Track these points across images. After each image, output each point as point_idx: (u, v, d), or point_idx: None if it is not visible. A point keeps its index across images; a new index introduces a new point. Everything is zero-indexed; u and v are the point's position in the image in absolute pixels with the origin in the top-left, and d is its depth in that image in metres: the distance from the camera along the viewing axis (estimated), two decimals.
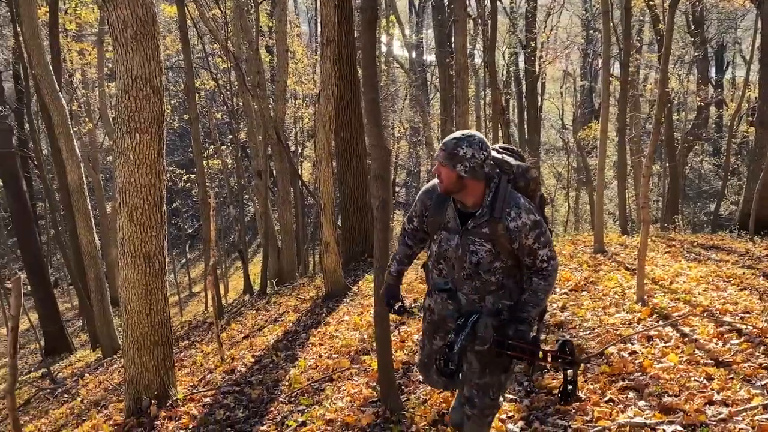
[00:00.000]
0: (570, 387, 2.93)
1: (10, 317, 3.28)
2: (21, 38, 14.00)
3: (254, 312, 10.70)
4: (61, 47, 16.13)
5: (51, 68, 10.77)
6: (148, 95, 5.06)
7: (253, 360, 6.82)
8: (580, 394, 4.10)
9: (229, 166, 22.59)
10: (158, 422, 5.28)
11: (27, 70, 15.49)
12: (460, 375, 3.11)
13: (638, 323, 5.44)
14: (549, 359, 2.89)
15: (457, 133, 2.86)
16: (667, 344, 4.83)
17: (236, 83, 16.40)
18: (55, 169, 15.37)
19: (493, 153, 2.98)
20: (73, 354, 16.44)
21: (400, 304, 3.33)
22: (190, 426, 5.07)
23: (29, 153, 20.91)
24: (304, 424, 4.50)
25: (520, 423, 3.92)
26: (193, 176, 21.96)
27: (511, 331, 2.85)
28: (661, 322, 5.31)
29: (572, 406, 3.98)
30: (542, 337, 5.33)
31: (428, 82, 29.82)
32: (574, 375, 2.93)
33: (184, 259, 29.39)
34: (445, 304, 3.12)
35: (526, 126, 25.29)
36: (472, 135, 2.83)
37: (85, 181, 11.10)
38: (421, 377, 3.28)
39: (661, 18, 16.10)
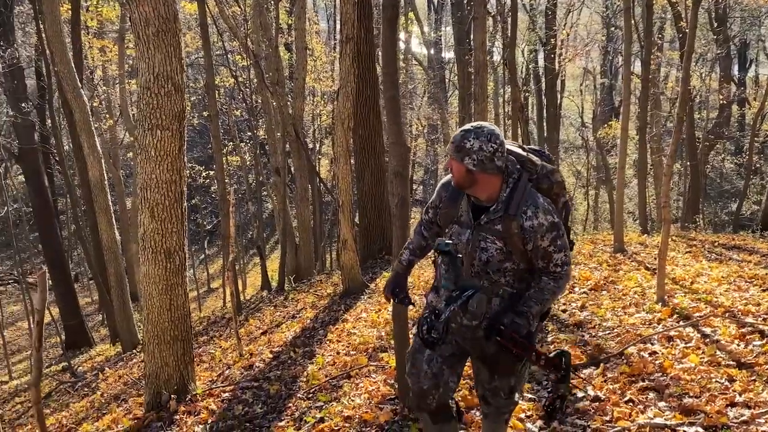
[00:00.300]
0: (558, 403, 2.88)
1: (35, 311, 3.33)
2: (44, 35, 14.17)
3: (272, 308, 10.76)
4: (83, 44, 16.29)
5: (73, 65, 10.88)
6: (169, 92, 5.10)
7: (271, 356, 6.85)
8: (600, 394, 4.08)
9: (248, 162, 22.69)
10: (177, 416, 5.32)
11: (49, 67, 15.66)
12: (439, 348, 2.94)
13: (658, 323, 5.40)
14: (542, 362, 2.82)
15: (467, 126, 2.75)
16: (687, 345, 4.78)
17: (255, 80, 16.47)
18: (76, 165, 15.54)
19: (518, 150, 2.87)
20: (92, 348, 16.65)
21: (404, 295, 3.12)
22: (209, 420, 5.10)
23: (51, 149, 21.17)
24: (322, 420, 4.52)
25: (539, 422, 3.90)
26: (212, 173, 22.10)
27: (506, 320, 2.71)
28: (681, 323, 5.26)
29: (591, 405, 3.96)
30: (549, 338, 5.31)
31: (447, 80, 29.75)
32: (565, 391, 2.87)
33: (203, 255, 29.60)
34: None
35: (545, 124, 25.14)
36: (481, 126, 2.71)
37: (106, 177, 11.21)
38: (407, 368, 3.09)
39: (683, 15, 15.93)
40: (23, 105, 17.90)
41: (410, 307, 3.28)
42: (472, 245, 2.80)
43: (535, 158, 2.85)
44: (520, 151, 2.87)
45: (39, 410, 3.67)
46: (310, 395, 5.19)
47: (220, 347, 8.48)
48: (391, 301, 3.21)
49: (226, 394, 5.70)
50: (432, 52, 28.47)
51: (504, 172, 2.73)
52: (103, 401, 8.20)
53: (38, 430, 3.81)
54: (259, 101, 18.29)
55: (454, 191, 2.90)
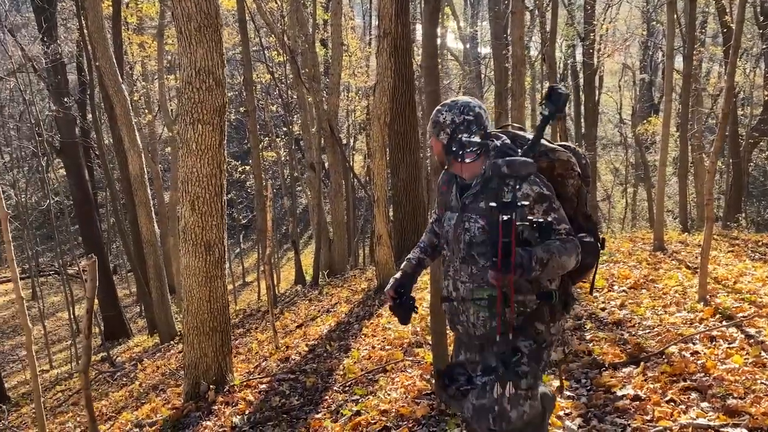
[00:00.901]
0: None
1: (86, 299, 3.40)
2: (86, 31, 14.45)
3: (307, 302, 10.83)
4: (123, 40, 16.58)
5: (114, 60, 11.08)
6: (210, 87, 5.16)
7: (306, 349, 6.91)
8: (640, 393, 4.02)
9: (283, 158, 22.87)
10: (216, 407, 5.40)
11: (91, 62, 15.98)
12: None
13: (700, 323, 5.29)
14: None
15: (447, 100, 2.61)
16: (731, 345, 4.68)
17: (291, 76, 16.58)
18: (116, 159, 15.83)
19: (515, 130, 2.66)
20: (130, 339, 16.97)
21: (407, 297, 2.80)
22: (247, 411, 5.16)
23: (91, 143, 21.62)
24: (358, 413, 4.53)
25: (578, 420, 3.86)
26: (247, 168, 22.35)
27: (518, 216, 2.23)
28: (724, 323, 5.15)
29: (632, 404, 3.91)
30: (588, 336, 5.24)
31: (482, 75, 29.55)
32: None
33: (238, 249, 29.93)
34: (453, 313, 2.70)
35: (582, 120, 24.83)
36: (455, 100, 2.56)
37: (145, 171, 11.40)
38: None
39: (727, 9, 15.56)
40: (65, 100, 18.28)
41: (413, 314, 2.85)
42: (457, 228, 2.59)
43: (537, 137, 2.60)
44: (517, 131, 2.68)
45: (88, 396, 3.76)
46: (347, 388, 5.21)
47: (257, 339, 8.57)
48: (392, 302, 2.83)
49: (263, 386, 5.77)
50: (468, 47, 28.29)
51: (483, 146, 2.54)
52: (141, 391, 8.36)
53: (87, 415, 3.89)
54: (295, 97, 18.40)
55: (447, 177, 2.74)
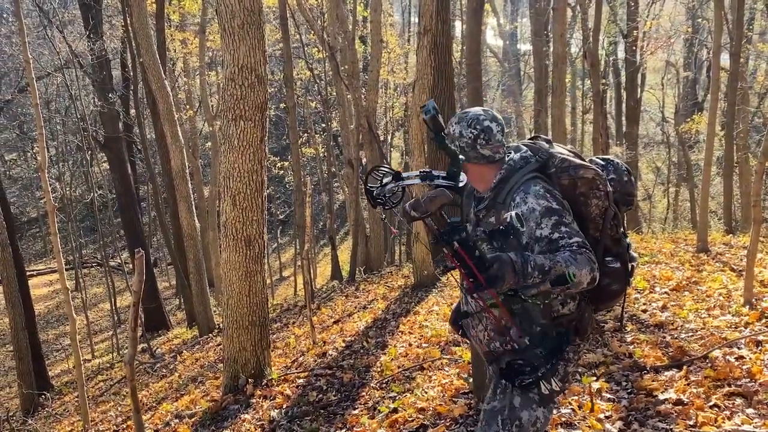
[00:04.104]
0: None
1: (132, 292, 3.47)
2: (130, 28, 14.73)
3: (344, 298, 10.88)
4: (165, 36, 16.84)
5: (157, 56, 11.27)
6: (252, 84, 5.22)
7: (343, 345, 6.94)
8: (683, 398, 3.95)
9: (321, 154, 23.01)
10: (254, 400, 5.47)
11: (134, 58, 16.28)
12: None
13: (746, 327, 5.17)
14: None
15: (459, 111, 2.51)
16: None
17: (330, 73, 16.64)
18: (158, 153, 16.10)
19: (542, 143, 2.55)
20: (170, 331, 17.26)
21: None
22: (284, 406, 5.21)
23: (134, 138, 22.03)
24: (395, 410, 4.54)
25: (619, 423, 3.81)
26: (286, 163, 22.54)
27: (471, 240, 2.09)
28: None
29: (674, 409, 3.84)
30: (629, 338, 5.15)
31: (522, 72, 29.30)
32: None
33: (275, 244, 30.23)
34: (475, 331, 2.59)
35: (623, 118, 24.41)
36: (466, 111, 2.48)
37: (187, 166, 11.57)
38: None
39: None
40: (109, 95, 18.66)
41: None
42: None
43: (561, 151, 2.50)
44: (544, 144, 2.56)
45: (133, 387, 3.84)
46: (383, 385, 5.23)
47: (294, 334, 8.65)
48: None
49: (301, 381, 5.81)
50: (507, 43, 28.07)
51: (494, 161, 2.45)
52: (181, 382, 8.50)
53: (132, 405, 3.98)
54: (334, 93, 18.49)
55: (470, 188, 2.66)
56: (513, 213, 2.34)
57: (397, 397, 4.82)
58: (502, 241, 2.35)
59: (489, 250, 2.36)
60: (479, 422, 2.52)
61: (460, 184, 2.67)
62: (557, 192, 2.37)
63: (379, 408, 4.67)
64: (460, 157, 2.45)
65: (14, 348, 11.57)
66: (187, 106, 21.11)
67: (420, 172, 2.51)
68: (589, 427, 3.75)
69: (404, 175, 2.45)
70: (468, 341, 2.56)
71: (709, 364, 4.43)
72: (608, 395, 4.15)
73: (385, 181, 2.49)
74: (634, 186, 2.69)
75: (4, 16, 32.98)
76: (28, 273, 16.64)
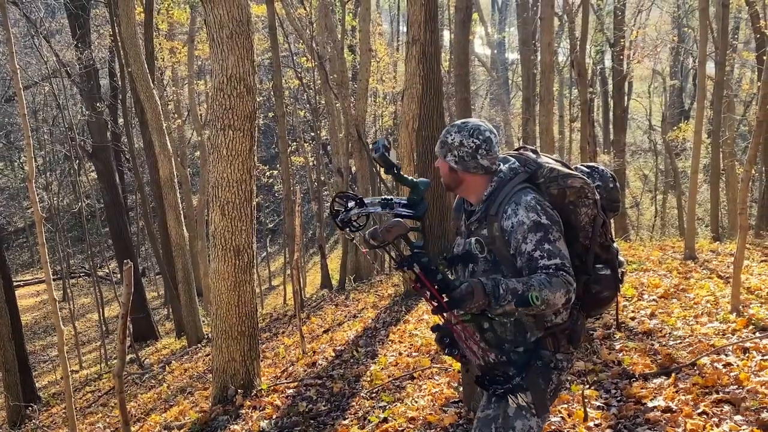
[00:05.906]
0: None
1: (121, 304, 3.45)
2: (118, 37, 14.69)
3: (333, 307, 10.86)
4: (154, 46, 16.81)
5: (146, 66, 11.26)
6: (241, 93, 5.22)
7: (333, 354, 6.92)
8: (672, 405, 3.97)
9: (310, 163, 23.01)
10: (243, 411, 5.44)
11: (123, 67, 16.24)
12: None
13: (733, 334, 5.20)
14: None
15: (458, 121, 2.53)
16: (765, 357, 4.59)
17: (319, 81, 16.67)
18: (146, 162, 16.04)
19: (529, 154, 2.55)
20: (158, 341, 17.15)
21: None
22: (274, 416, 5.19)
23: (122, 147, 21.95)
24: (385, 420, 4.54)
25: (608, 431, 3.82)
26: (275, 172, 22.53)
27: (433, 265, 2.14)
28: (758, 334, 5.06)
29: (663, 416, 3.86)
30: (617, 346, 5.17)
31: (510, 81, 29.45)
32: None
33: (264, 253, 30.15)
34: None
35: (611, 126, 24.58)
36: (466, 121, 2.47)
37: (175, 175, 11.54)
38: None
39: (760, 15, 15.32)
40: (97, 104, 18.59)
41: None
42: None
43: (547, 161, 2.51)
44: (530, 155, 2.57)
45: (122, 399, 3.82)
46: (374, 395, 5.22)
47: (284, 344, 8.62)
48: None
49: (290, 391, 5.79)
50: (495, 52, 28.22)
51: (491, 172, 2.46)
52: (169, 393, 8.45)
53: (120, 417, 3.95)
54: (323, 102, 18.52)
55: (459, 201, 2.67)
56: (473, 239, 2.43)
57: (387, 407, 4.82)
58: (496, 254, 2.37)
59: (483, 263, 2.42)
60: (472, 430, 2.52)
61: (420, 213, 2.60)
62: (547, 203, 2.38)
63: (369, 418, 4.66)
64: (457, 166, 2.45)
65: (1, 359, 11.45)
66: (176, 115, 21.07)
67: (381, 199, 2.51)
68: None
69: (367, 201, 2.45)
70: (453, 358, 2.54)
71: (698, 372, 4.45)
72: (597, 403, 4.17)
73: (350, 205, 2.49)
74: (620, 192, 2.71)
75: None
76: (15, 283, 16.50)
